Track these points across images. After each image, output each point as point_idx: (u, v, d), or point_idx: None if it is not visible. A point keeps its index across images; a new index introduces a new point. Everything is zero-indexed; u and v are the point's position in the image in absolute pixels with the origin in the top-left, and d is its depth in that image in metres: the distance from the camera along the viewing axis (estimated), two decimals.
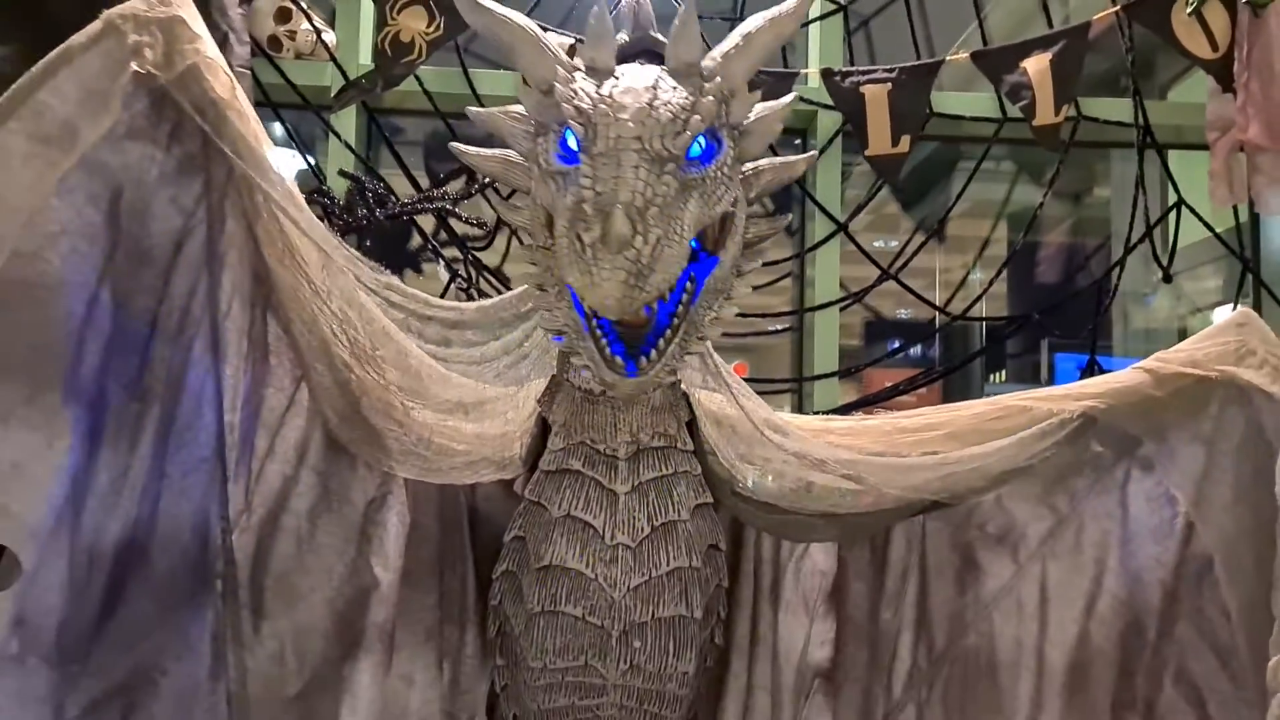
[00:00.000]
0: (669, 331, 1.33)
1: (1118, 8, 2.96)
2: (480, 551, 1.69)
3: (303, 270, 1.53)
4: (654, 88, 1.32)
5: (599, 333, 1.31)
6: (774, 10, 1.44)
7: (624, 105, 1.29)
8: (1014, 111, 3.06)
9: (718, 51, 1.40)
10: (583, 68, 1.38)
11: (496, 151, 1.47)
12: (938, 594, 1.69)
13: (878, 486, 1.62)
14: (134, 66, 1.41)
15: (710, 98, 1.34)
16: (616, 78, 1.34)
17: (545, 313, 1.44)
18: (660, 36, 1.57)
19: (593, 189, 1.24)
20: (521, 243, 1.50)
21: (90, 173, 1.42)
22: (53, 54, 1.40)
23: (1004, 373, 4.80)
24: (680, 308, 1.34)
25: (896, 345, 3.74)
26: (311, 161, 3.20)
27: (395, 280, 1.66)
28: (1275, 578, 1.45)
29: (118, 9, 1.43)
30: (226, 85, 1.47)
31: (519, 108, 1.44)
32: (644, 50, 1.53)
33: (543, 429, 1.62)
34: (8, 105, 1.37)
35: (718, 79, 1.37)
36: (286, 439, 1.56)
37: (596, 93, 1.32)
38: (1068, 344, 3.30)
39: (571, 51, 2.98)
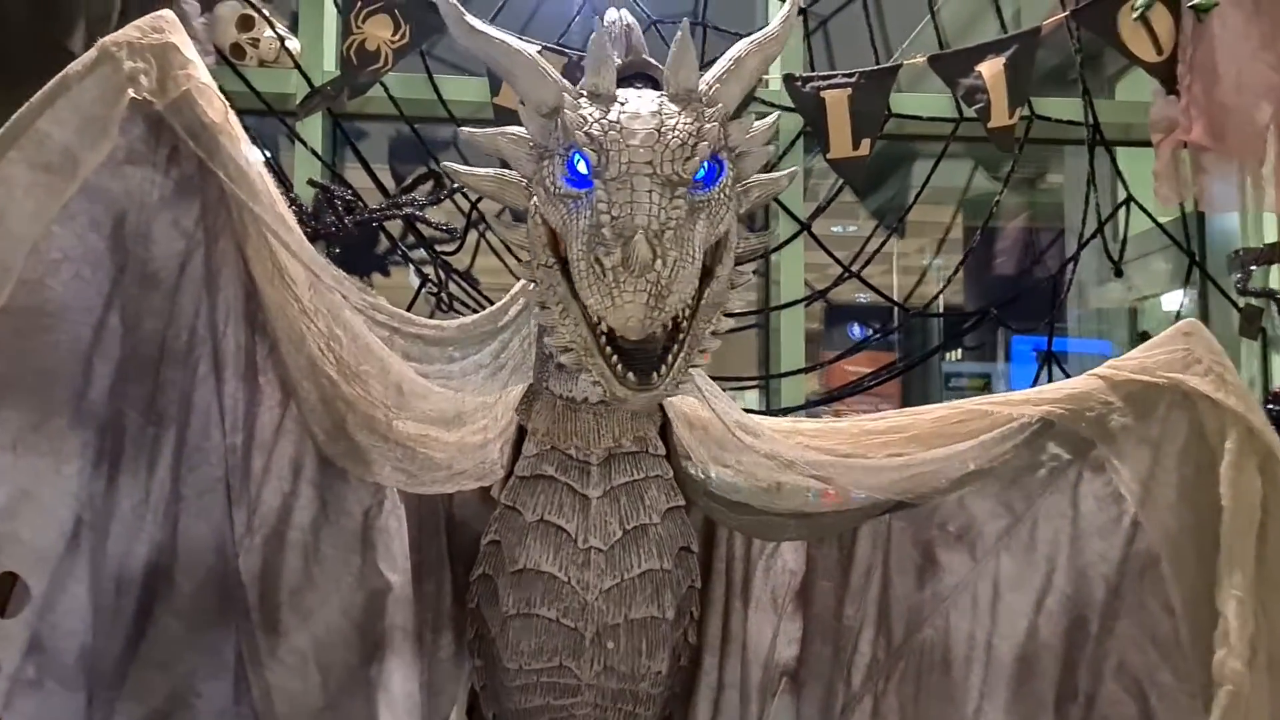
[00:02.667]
0: (676, 346, 1.33)
1: (1066, 13, 3.03)
2: (457, 556, 1.72)
3: (290, 289, 1.53)
4: (659, 113, 1.34)
5: (609, 350, 1.31)
6: (760, 34, 1.46)
7: (634, 131, 1.31)
8: (970, 112, 3.12)
9: (710, 76, 1.42)
10: (585, 93, 1.39)
11: (491, 171, 1.47)
12: (898, 590, 1.72)
13: (846, 487, 1.66)
14: (130, 93, 1.42)
15: (714, 123, 1.36)
16: (621, 103, 1.36)
17: (550, 331, 1.42)
18: (651, 59, 1.60)
19: (609, 213, 1.26)
20: (520, 260, 1.50)
21: (92, 199, 1.44)
22: (51, 83, 1.40)
23: (960, 352, 4.87)
24: (685, 323, 1.35)
25: (861, 338, 3.80)
26: (276, 168, 3.21)
27: (381, 300, 1.67)
28: (1219, 575, 1.50)
29: (112, 36, 1.43)
30: (219, 110, 1.48)
31: (518, 129, 1.45)
32: (637, 74, 1.54)
33: (520, 436, 1.64)
34: (8, 135, 1.38)
35: (719, 105, 1.39)
36: (281, 457, 1.56)
37: (606, 119, 1.33)
38: (1024, 326, 3.38)
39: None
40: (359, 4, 2.98)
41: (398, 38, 2.97)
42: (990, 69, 2.98)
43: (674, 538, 1.60)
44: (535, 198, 1.41)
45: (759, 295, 3.48)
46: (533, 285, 1.45)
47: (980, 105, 2.99)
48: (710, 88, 1.40)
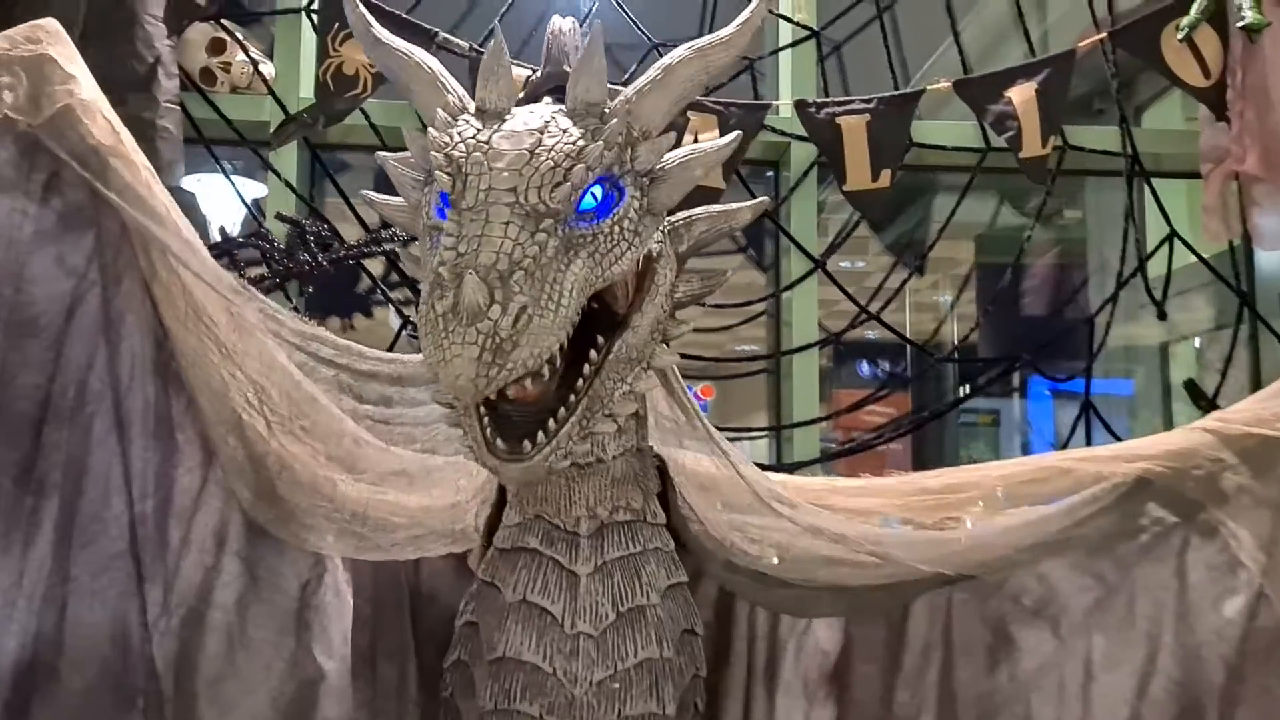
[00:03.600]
0: (563, 409, 1.17)
1: (1104, 34, 2.83)
2: (424, 637, 1.54)
3: (210, 332, 1.40)
4: (541, 131, 1.18)
5: (480, 409, 1.14)
6: (705, 39, 1.28)
7: (501, 152, 1.15)
8: (997, 141, 2.92)
9: (632, 88, 1.26)
10: (472, 109, 1.24)
11: (403, 200, 1.33)
12: (964, 673, 1.50)
13: (905, 562, 1.45)
14: None
15: (601, 142, 1.19)
16: (505, 119, 1.21)
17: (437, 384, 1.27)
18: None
19: (455, 249, 1.10)
20: None
21: None
22: None
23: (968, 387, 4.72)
24: (581, 381, 1.19)
25: (873, 376, 3.59)
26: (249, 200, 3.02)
27: (323, 332, 1.52)
28: None
29: None
30: (107, 129, 1.35)
31: (401, 155, 1.32)
32: (557, 88, 1.36)
33: (501, 498, 1.46)
34: None
35: (614, 120, 1.22)
36: (203, 525, 1.41)
37: (474, 138, 1.18)
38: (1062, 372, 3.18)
39: (529, 83, 2.83)
40: (336, 26, 2.77)
41: None
42: (1021, 95, 2.76)
43: (675, 620, 1.41)
44: None
45: (769, 336, 3.24)
46: None
47: (1011, 134, 2.78)
48: (625, 101, 1.24)
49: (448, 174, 1.16)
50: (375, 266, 3.02)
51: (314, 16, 2.90)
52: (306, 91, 2.98)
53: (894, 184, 2.79)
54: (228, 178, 2.93)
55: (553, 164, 1.15)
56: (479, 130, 1.20)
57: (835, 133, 2.77)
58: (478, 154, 1.16)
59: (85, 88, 1.35)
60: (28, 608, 1.31)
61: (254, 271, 2.83)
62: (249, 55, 2.94)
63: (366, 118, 2.92)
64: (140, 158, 1.37)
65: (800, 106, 2.84)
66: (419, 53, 1.31)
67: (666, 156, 1.26)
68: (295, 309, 2.80)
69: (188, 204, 3.04)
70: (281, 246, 2.83)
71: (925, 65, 3.08)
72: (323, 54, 2.78)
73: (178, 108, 2.71)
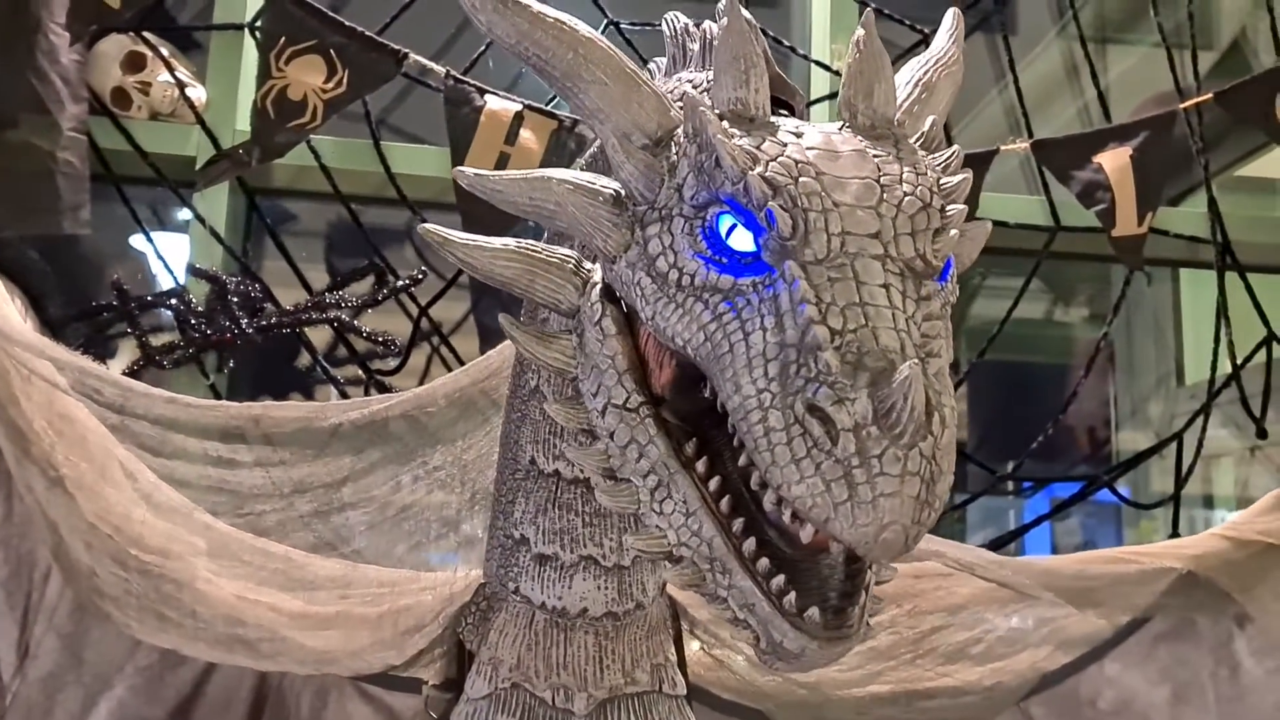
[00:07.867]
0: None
1: (1206, 96, 2.38)
2: None
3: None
4: (866, 155, 0.90)
5: (767, 566, 0.85)
6: (938, 55, 1.05)
7: (841, 179, 0.86)
8: (1072, 218, 2.49)
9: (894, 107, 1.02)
10: (724, 114, 0.94)
11: (512, 243, 1.00)
12: None
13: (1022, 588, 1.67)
14: None
15: (961, 175, 0.93)
16: (795, 134, 0.90)
17: (636, 520, 0.94)
18: (788, 79, 1.14)
19: (823, 322, 0.81)
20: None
21: None
22: None
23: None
24: None
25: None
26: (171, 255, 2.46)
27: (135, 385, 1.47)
28: None
29: None
30: None
31: (580, 176, 0.97)
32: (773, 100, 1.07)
33: (460, 656, 1.24)
34: None
35: (956, 148, 0.96)
36: (53, 592, 1.40)
37: (786, 155, 0.87)
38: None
39: (519, 120, 2.37)
40: (283, 41, 2.25)
41: (331, 85, 2.24)
42: (1114, 161, 2.32)
43: None
44: (621, 292, 0.96)
45: None
46: (597, 443, 0.97)
47: (1103, 207, 2.32)
48: (912, 127, 0.99)
49: (779, 207, 0.83)
50: (319, 339, 2.48)
51: (258, 35, 2.38)
52: (244, 122, 2.46)
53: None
54: (139, 224, 2.38)
55: (921, 202, 0.86)
56: (788, 144, 0.88)
57: None
58: (807, 179, 0.85)
59: None
60: None
61: (163, 339, 2.33)
62: (174, 75, 2.41)
63: (318, 158, 2.40)
64: None
65: None
66: (583, 26, 0.98)
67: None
68: (212, 385, 2.30)
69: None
70: (200, 309, 2.31)
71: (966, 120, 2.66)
72: (264, 74, 2.26)
73: (84, 137, 2.19)
